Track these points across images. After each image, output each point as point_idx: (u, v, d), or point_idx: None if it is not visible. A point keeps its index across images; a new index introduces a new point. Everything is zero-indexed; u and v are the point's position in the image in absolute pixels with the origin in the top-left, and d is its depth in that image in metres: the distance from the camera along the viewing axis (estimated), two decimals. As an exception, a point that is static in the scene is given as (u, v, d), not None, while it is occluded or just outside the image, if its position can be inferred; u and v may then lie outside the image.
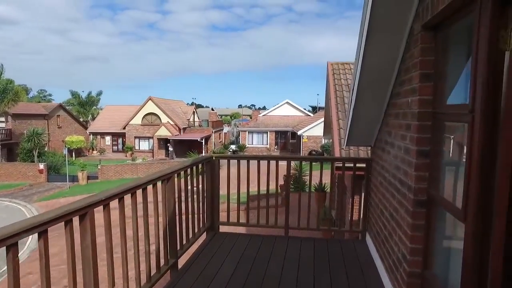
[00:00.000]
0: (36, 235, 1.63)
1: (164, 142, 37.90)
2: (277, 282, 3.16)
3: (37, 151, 30.84)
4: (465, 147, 1.75)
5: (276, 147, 40.20)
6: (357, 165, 4.27)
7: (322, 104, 32.32)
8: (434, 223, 2.20)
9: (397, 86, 2.85)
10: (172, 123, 38.44)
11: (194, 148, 34.55)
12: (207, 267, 3.44)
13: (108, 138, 41.12)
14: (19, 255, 1.48)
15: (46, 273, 1.63)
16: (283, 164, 4.38)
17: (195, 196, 3.79)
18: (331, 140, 11.01)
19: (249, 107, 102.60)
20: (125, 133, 39.24)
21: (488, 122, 1.53)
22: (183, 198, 3.46)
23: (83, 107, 47.92)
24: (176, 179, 3.26)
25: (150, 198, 2.79)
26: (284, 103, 42.97)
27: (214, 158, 4.33)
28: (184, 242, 3.53)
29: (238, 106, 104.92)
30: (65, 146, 31.45)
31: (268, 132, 40.14)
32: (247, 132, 40.74)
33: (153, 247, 2.83)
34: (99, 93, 50.41)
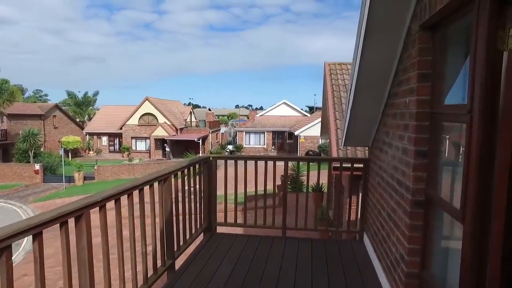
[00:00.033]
0: (31, 236, 1.61)
1: (161, 143, 37.79)
2: (275, 282, 3.15)
3: (32, 151, 30.63)
4: (463, 147, 1.75)
5: (273, 147, 40.20)
6: (355, 165, 4.27)
7: (319, 104, 32.40)
8: (432, 223, 2.20)
9: (394, 86, 2.85)
10: (169, 123, 38.34)
11: (191, 148, 34.47)
12: (205, 268, 3.42)
13: (104, 139, 40.94)
14: (14, 256, 1.46)
15: (41, 276, 1.60)
16: (280, 164, 4.37)
17: (192, 196, 3.77)
18: (328, 140, 11.03)
19: (246, 107, 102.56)
20: (121, 133, 39.08)
21: (486, 122, 1.53)
22: (180, 199, 3.44)
23: (80, 107, 47.65)
24: (173, 179, 3.24)
25: (147, 198, 2.77)
26: (281, 103, 43.00)
27: (211, 158, 4.31)
28: (181, 243, 3.51)
29: (235, 106, 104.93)
30: (61, 147, 31.31)
31: (265, 132, 40.15)
32: (244, 133, 40.71)
33: (149, 248, 2.81)
34: (96, 93, 50.17)
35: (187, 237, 3.67)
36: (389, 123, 3.02)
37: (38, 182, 26.82)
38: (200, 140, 37.13)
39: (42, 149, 33.90)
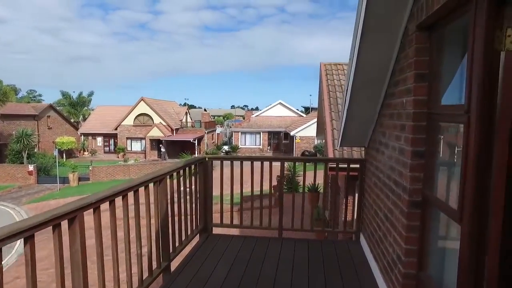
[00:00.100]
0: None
1: (156, 143, 37.63)
2: (272, 284, 3.13)
3: (26, 152, 30.34)
4: (460, 148, 1.75)
5: (269, 147, 40.21)
6: (351, 165, 4.27)
7: (315, 105, 32.50)
8: (429, 224, 2.19)
9: (391, 87, 2.84)
10: (164, 123, 38.19)
11: (187, 149, 34.37)
12: (201, 270, 3.39)
13: (99, 139, 40.67)
14: (7, 259, 1.43)
15: (32, 279, 1.57)
16: (276, 164, 4.35)
17: (188, 197, 3.75)
18: (324, 141, 11.04)
19: (242, 108, 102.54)
20: (117, 134, 38.85)
21: (483, 122, 1.53)
22: (175, 200, 3.41)
23: (74, 108, 47.30)
24: (168, 180, 3.21)
25: (142, 199, 2.74)
26: (277, 104, 43.04)
27: (207, 159, 4.28)
28: (177, 244, 3.48)
29: (231, 106, 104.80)
30: (56, 147, 31.03)
31: (261, 133, 40.15)
32: (240, 133, 40.68)
33: (145, 250, 2.78)
34: (91, 94, 49.87)
35: (183, 238, 3.64)
36: (385, 123, 3.02)
37: (32, 183, 26.57)
38: (196, 140, 37.03)
39: (36, 150, 33.61)
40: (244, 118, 50.52)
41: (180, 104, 52.66)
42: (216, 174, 4.33)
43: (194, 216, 3.97)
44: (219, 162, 4.43)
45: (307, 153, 32.43)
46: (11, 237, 1.47)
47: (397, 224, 2.45)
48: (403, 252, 2.28)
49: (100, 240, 2.20)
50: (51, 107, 40.33)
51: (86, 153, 39.84)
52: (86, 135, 40.54)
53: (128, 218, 2.50)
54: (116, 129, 38.77)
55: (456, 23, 1.89)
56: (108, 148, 40.65)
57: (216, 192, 4.37)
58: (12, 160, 30.03)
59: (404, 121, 2.39)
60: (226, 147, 40.91)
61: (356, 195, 4.14)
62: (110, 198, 2.29)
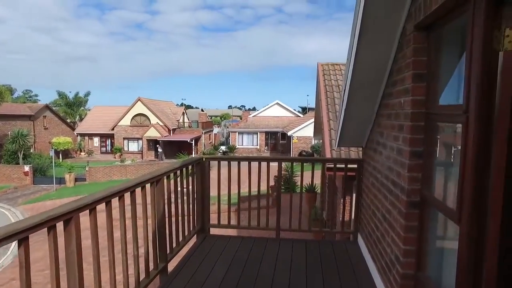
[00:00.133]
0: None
1: (153, 143, 37.51)
2: (269, 284, 3.12)
3: (22, 153, 30.14)
4: (458, 148, 1.74)
5: (266, 148, 40.21)
6: (349, 166, 4.26)
7: (312, 105, 32.48)
8: (427, 224, 2.19)
9: (389, 87, 2.84)
10: (161, 124, 38.08)
11: (184, 149, 34.32)
12: (198, 271, 3.37)
13: (96, 139, 40.48)
14: (2, 260, 1.40)
15: (26, 281, 1.54)
16: (274, 165, 4.34)
17: (185, 198, 3.73)
18: (321, 141, 11.05)
19: (239, 108, 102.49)
20: (113, 134, 38.69)
21: (482, 122, 1.52)
22: (173, 200, 3.39)
23: (71, 108, 47.04)
24: (165, 181, 3.19)
25: (139, 200, 2.72)
26: (274, 104, 43.05)
27: (204, 159, 4.27)
28: (174, 245, 3.46)
29: (228, 107, 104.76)
30: (52, 148, 30.83)
31: (258, 133, 40.13)
32: (237, 133, 40.65)
33: (141, 251, 2.76)
34: (87, 94, 49.60)
35: (180, 239, 3.62)
36: (383, 123, 3.02)
37: (28, 184, 26.39)
38: (193, 141, 36.96)
39: (32, 150, 33.39)
40: (241, 118, 50.47)
41: (177, 104, 52.52)
42: (213, 174, 4.31)
43: (191, 217, 3.95)
44: (216, 162, 4.41)
45: (304, 153, 32.44)
46: (5, 239, 1.45)
47: (395, 224, 2.45)
48: (402, 252, 2.27)
49: (96, 242, 2.18)
50: (47, 107, 40.08)
51: (82, 153, 39.64)
52: (82, 135, 40.34)
53: (124, 219, 2.48)
54: (113, 129, 38.60)
55: (454, 23, 1.89)
56: (105, 149, 40.46)
57: (213, 192, 4.35)
58: (7, 160, 29.81)
59: (402, 121, 2.39)
60: (223, 147, 40.87)
61: (354, 195, 4.13)
62: (107, 199, 2.27)
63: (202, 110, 62.65)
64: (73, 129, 41.86)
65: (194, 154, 34.45)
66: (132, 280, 2.62)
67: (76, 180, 26.53)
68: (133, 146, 38.84)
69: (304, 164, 4.96)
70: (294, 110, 45.73)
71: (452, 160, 1.98)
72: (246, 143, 40.19)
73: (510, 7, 1.43)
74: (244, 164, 4.26)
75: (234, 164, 4.28)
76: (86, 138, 40.40)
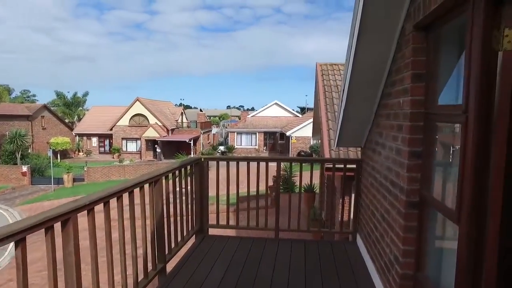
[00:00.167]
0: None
1: (152, 144, 37.46)
2: (268, 285, 3.11)
3: (20, 153, 30.04)
4: (457, 148, 1.74)
5: (265, 148, 40.21)
6: (347, 166, 4.26)
7: (311, 105, 32.53)
8: (426, 224, 2.19)
9: (388, 87, 2.84)
10: (160, 124, 38.04)
11: (183, 149, 34.29)
12: (196, 272, 3.36)
13: (94, 140, 40.39)
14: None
15: (23, 283, 1.53)
16: (272, 165, 4.34)
17: (183, 198, 3.72)
18: (320, 141, 11.05)
19: (237, 108, 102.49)
20: (112, 134, 38.61)
21: (481, 122, 1.52)
22: (171, 201, 3.38)
23: (69, 108, 46.94)
24: (164, 181, 3.18)
25: (137, 200, 2.71)
26: (273, 104, 43.06)
27: (203, 159, 4.26)
28: (173, 245, 3.45)
29: (227, 107, 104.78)
30: (50, 148, 30.74)
31: (257, 133, 40.14)
32: (235, 133, 40.63)
33: (140, 251, 2.75)
34: (85, 94, 49.54)
35: (179, 239, 3.61)
36: (382, 123, 3.01)
37: (26, 184, 26.31)
38: (192, 141, 36.93)
39: (29, 151, 33.30)
40: (240, 119, 50.48)
41: (175, 105, 52.48)
42: (212, 174, 4.31)
43: (190, 217, 3.94)
44: (215, 162, 4.40)
45: (303, 153, 32.49)
46: (1, 240, 1.43)
47: (394, 224, 2.45)
48: (401, 253, 2.27)
49: (94, 242, 2.17)
50: (45, 107, 39.96)
51: (81, 153, 39.55)
52: (81, 135, 40.24)
53: (123, 220, 2.47)
54: (111, 129, 38.53)
55: (453, 22, 1.88)
56: (103, 149, 40.39)
57: (212, 192, 4.35)
58: (5, 161, 29.72)
59: (401, 121, 2.39)
60: (222, 148, 40.86)
61: (353, 195, 4.13)
62: (105, 200, 2.26)
63: (200, 110, 62.65)
64: (72, 129, 41.75)
65: (193, 154, 34.41)
66: (130, 281, 2.61)
67: (74, 180, 26.46)
68: (132, 146, 38.77)
69: (303, 164, 4.95)
70: (293, 110, 45.79)
71: (451, 160, 1.97)
72: (244, 143, 40.19)
73: (509, 6, 1.42)
74: (243, 164, 4.25)
75: (232, 164, 4.27)
76: (85, 138, 40.31)
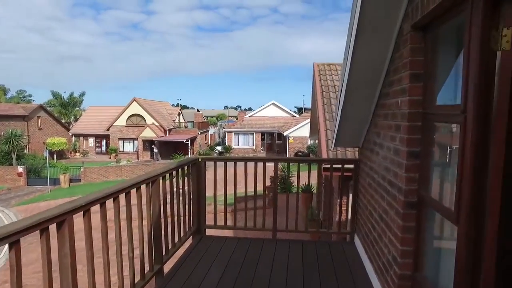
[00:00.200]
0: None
1: (149, 144, 37.35)
2: (266, 286, 3.10)
3: (15, 153, 29.87)
4: (456, 148, 1.74)
5: (262, 148, 40.21)
6: (345, 166, 4.26)
7: (308, 105, 32.56)
8: (424, 224, 2.18)
9: (386, 87, 2.83)
10: (157, 124, 37.94)
11: (180, 149, 34.17)
12: (194, 273, 3.34)
13: (91, 140, 40.22)
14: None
15: (17, 285, 1.50)
16: (270, 165, 4.33)
17: (181, 198, 3.70)
18: (317, 141, 11.06)
19: (235, 108, 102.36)
20: (109, 134, 38.47)
21: (480, 122, 1.52)
22: (168, 201, 3.36)
23: (65, 108, 46.72)
24: (161, 181, 3.16)
25: (134, 201, 2.69)
26: (270, 104, 43.07)
27: (200, 159, 4.24)
28: (170, 246, 3.43)
29: (224, 107, 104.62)
30: (46, 148, 30.56)
31: (254, 133, 40.12)
32: (233, 133, 40.60)
33: (137, 252, 2.73)
34: (82, 94, 49.35)
35: (176, 240, 3.59)
36: (380, 123, 3.01)
37: (22, 185, 26.15)
38: (189, 141, 36.87)
39: (25, 151, 33.10)
40: (237, 119, 50.46)
41: (173, 105, 52.37)
42: (209, 175, 4.29)
43: (187, 218, 3.92)
44: (212, 162, 4.38)
45: (300, 153, 32.50)
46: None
47: (393, 225, 2.44)
48: (399, 253, 2.27)
49: (90, 244, 2.15)
50: (41, 107, 39.75)
51: (77, 154, 39.36)
52: (77, 136, 40.06)
53: (119, 220, 2.45)
54: (108, 129, 38.39)
55: (452, 22, 1.88)
56: (100, 149, 40.22)
57: (209, 193, 4.33)
58: (1, 161, 29.55)
59: (399, 121, 2.39)
60: (219, 148, 40.81)
61: (350, 195, 4.13)
62: (101, 201, 2.24)
63: (198, 111, 62.58)
64: (68, 130, 41.55)
65: (190, 154, 34.34)
66: (127, 282, 2.59)
67: (71, 181, 26.33)
68: (129, 147, 38.64)
69: (301, 164, 4.95)
70: (290, 110, 45.80)
71: (449, 160, 1.97)
72: (242, 144, 40.16)
73: (508, 6, 1.42)
74: (240, 165, 4.24)
75: (230, 164, 4.26)
76: (81, 138, 40.13)
